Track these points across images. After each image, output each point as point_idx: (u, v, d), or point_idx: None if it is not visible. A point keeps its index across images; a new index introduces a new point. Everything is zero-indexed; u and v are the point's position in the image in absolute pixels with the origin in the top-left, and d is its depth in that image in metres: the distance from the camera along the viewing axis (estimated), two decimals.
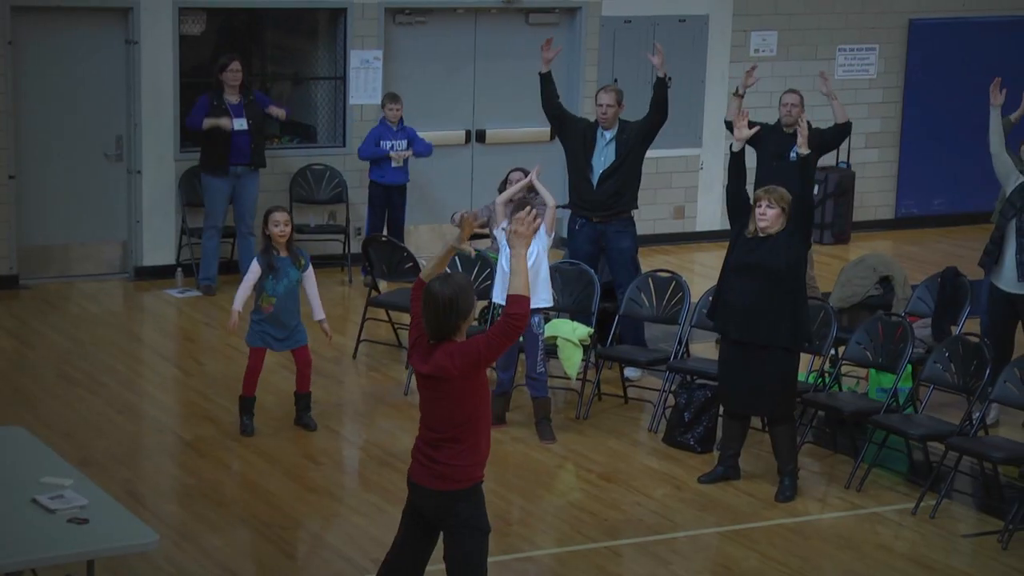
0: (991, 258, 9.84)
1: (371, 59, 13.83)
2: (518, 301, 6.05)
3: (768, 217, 8.64)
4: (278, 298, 9.38)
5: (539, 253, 9.49)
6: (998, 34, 16.24)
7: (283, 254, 9.40)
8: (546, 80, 11.05)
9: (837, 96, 11.58)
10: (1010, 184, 9.93)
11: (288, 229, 9.40)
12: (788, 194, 8.73)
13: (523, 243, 6.11)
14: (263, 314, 9.42)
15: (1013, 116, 10.60)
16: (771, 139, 11.41)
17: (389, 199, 13.16)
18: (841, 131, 11.56)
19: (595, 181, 10.87)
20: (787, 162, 11.22)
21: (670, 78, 11.01)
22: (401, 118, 13.14)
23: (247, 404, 9.58)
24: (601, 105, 10.85)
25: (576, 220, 11.05)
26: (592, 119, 11.14)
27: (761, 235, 8.67)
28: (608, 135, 10.90)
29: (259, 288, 9.42)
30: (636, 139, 10.88)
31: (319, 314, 9.54)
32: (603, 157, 10.89)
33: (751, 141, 10.98)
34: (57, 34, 12.86)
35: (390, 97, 13.19)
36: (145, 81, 13.04)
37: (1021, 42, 16.34)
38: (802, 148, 9.06)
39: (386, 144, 13.08)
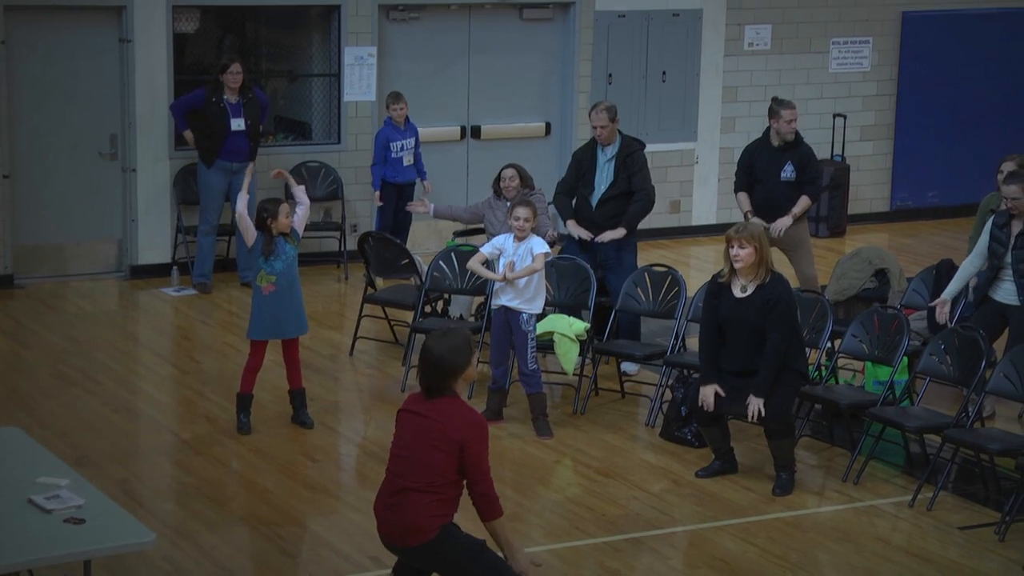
0: (980, 293, 9.79)
1: (365, 55, 13.83)
2: (494, 510, 6.20)
3: (742, 257, 8.59)
4: (278, 275, 9.37)
5: (532, 259, 9.49)
6: (990, 26, 16.25)
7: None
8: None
9: (794, 214, 11.30)
10: (987, 222, 9.89)
11: (289, 221, 9.46)
12: (759, 229, 8.69)
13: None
14: (265, 296, 9.41)
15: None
16: (761, 159, 11.39)
17: (400, 197, 13.13)
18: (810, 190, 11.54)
19: (594, 203, 10.83)
20: (776, 183, 11.20)
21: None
22: (407, 116, 13.10)
23: (244, 402, 9.57)
24: (596, 127, 10.78)
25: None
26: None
27: (742, 281, 8.64)
28: (609, 152, 10.82)
29: (255, 269, 9.43)
30: (631, 175, 10.77)
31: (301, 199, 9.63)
32: (604, 175, 10.82)
33: (751, 171, 11.21)
34: (51, 33, 12.84)
35: (393, 97, 13.08)
36: (139, 79, 13.04)
37: (1013, 34, 16.37)
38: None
39: (395, 144, 13.05)
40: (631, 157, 10.80)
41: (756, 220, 10.68)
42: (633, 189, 10.80)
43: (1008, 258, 9.59)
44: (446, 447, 6.10)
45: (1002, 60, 16.38)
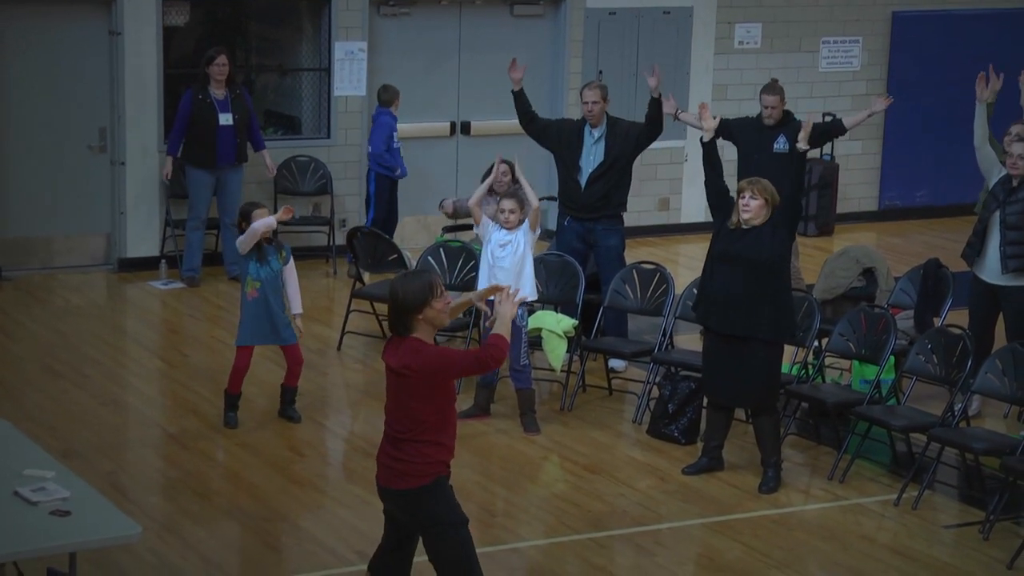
0: (974, 250, 9.86)
1: (356, 50, 13.82)
2: (499, 345, 6.25)
3: (751, 208, 8.64)
4: (262, 283, 9.39)
5: (524, 248, 9.51)
6: (980, 26, 16.26)
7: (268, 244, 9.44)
8: (519, 98, 10.91)
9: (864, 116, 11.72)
10: (993, 177, 9.93)
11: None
12: (771, 186, 8.74)
13: (508, 313, 6.33)
14: (249, 302, 9.42)
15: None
16: (750, 133, 11.40)
17: (393, 190, 13.13)
18: (837, 129, 11.64)
19: (584, 183, 10.80)
20: (769, 155, 11.20)
21: (664, 98, 10.86)
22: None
23: (232, 400, 9.57)
24: (587, 103, 10.72)
25: (564, 217, 11.01)
26: (577, 117, 11.11)
27: (744, 227, 8.68)
28: (596, 133, 10.78)
29: (243, 274, 9.44)
30: (626, 144, 10.73)
31: (296, 308, 9.54)
32: (592, 156, 10.77)
33: (726, 135, 11.07)
34: (40, 25, 12.81)
35: (397, 92, 13.10)
36: (129, 72, 13.01)
37: (1003, 34, 16.37)
38: (802, 143, 9.00)
39: (396, 135, 13.03)
40: (619, 124, 10.77)
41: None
42: (650, 137, 10.80)
43: (998, 214, 9.61)
44: (419, 395, 6.21)
45: (992, 60, 16.28)
